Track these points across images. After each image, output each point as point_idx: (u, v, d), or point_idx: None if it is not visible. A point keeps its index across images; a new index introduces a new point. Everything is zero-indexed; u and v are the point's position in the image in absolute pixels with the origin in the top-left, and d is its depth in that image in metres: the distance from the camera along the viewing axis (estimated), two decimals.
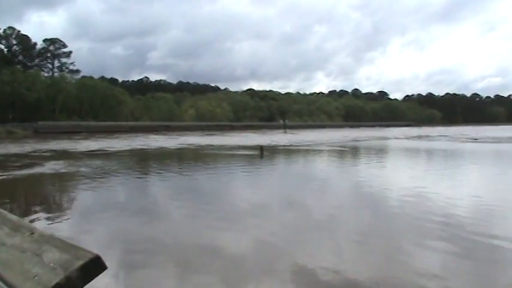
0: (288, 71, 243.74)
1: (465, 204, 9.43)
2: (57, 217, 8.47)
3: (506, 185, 12.97)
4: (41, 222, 7.71)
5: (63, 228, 7.43)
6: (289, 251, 6.07)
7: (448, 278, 4.96)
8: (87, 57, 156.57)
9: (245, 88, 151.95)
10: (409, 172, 16.26)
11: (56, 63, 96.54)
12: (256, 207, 9.46)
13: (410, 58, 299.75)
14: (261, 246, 6.36)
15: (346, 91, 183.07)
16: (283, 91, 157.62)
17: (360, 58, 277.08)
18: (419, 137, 48.36)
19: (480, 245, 6.25)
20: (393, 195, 10.74)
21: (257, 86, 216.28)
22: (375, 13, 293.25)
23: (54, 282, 1.39)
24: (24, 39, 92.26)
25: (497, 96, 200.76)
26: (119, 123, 75.66)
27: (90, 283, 1.35)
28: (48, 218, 8.30)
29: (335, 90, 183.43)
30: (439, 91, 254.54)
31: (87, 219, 8.20)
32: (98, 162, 19.08)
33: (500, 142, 36.24)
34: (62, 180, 14.33)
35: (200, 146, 32.62)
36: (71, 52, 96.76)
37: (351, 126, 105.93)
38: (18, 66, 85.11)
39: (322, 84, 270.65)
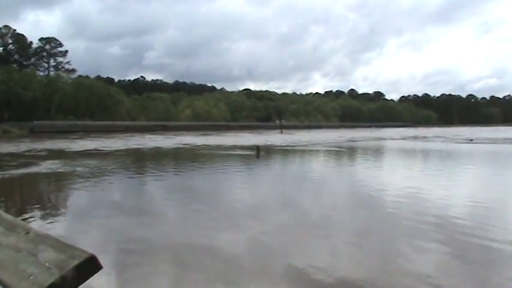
0: (285, 71, 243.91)
1: (459, 205, 9.47)
2: (53, 216, 8.47)
3: (499, 185, 13.03)
4: (36, 222, 7.70)
5: (59, 227, 7.43)
6: (283, 251, 6.08)
7: (439, 278, 4.99)
8: (83, 57, 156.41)
9: (242, 88, 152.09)
10: (404, 173, 16.31)
11: (52, 63, 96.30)
12: (252, 207, 9.47)
13: (406, 59, 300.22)
14: (255, 247, 6.37)
15: (343, 91, 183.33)
16: (279, 91, 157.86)
17: (356, 59, 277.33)
18: (415, 138, 48.46)
19: (473, 244, 6.28)
20: (387, 195, 10.77)
21: (254, 86, 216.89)
22: (371, 14, 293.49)
23: (49, 282, 1.39)
24: (20, 38, 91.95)
25: (492, 97, 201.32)
26: (115, 122, 75.50)
27: (85, 283, 1.42)
28: (43, 218, 8.29)
29: (332, 91, 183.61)
30: (435, 92, 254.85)
31: (81, 219, 8.20)
32: (93, 162, 19.04)
33: (495, 143, 36.37)
34: (57, 179, 14.29)
35: (196, 146, 32.60)
36: (67, 51, 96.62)
37: (347, 127, 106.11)
38: (14, 65, 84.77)
39: (318, 84, 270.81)
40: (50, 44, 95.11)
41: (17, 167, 16.96)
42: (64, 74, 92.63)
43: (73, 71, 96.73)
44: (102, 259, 1.40)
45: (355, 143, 38.24)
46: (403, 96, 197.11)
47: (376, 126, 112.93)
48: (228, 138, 44.23)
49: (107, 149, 28.31)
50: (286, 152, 27.91)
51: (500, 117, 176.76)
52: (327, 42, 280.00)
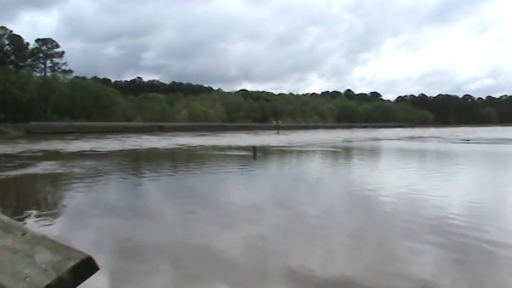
0: (282, 71, 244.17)
1: (455, 205, 9.49)
2: (49, 217, 8.45)
3: (496, 185, 13.07)
4: (33, 223, 7.69)
5: (55, 228, 7.42)
6: (279, 252, 6.09)
7: (431, 272, 5.01)
8: (79, 58, 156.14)
9: (238, 89, 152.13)
10: (400, 173, 16.30)
11: (48, 63, 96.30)
12: (248, 209, 9.48)
13: (403, 59, 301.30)
14: (252, 248, 6.37)
15: (339, 92, 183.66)
16: (276, 92, 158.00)
17: (353, 59, 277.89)
18: (412, 138, 48.55)
19: (469, 245, 6.30)
20: (383, 196, 10.78)
21: (250, 87, 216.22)
22: (368, 14, 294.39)
23: (45, 283, 1.38)
24: (16, 39, 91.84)
25: (489, 97, 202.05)
26: (111, 123, 75.45)
27: (82, 284, 1.42)
28: (40, 219, 8.28)
29: (328, 91, 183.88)
30: (432, 92, 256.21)
31: (77, 220, 8.19)
32: (89, 163, 19.01)
33: (491, 143, 36.48)
34: (53, 180, 14.26)
35: (193, 146, 32.58)
36: (63, 52, 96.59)
37: (344, 127, 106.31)
38: (10, 66, 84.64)
39: (315, 85, 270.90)
40: (47, 45, 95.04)
41: (13, 168, 16.91)
42: (60, 75, 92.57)
43: (69, 71, 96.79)
44: (98, 260, 1.45)
45: (351, 143, 38.29)
46: (399, 97, 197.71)
47: (373, 127, 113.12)
48: (225, 139, 44.21)
49: (103, 150, 28.25)
50: (282, 152, 27.92)
51: (496, 117, 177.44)
52: (324, 43, 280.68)
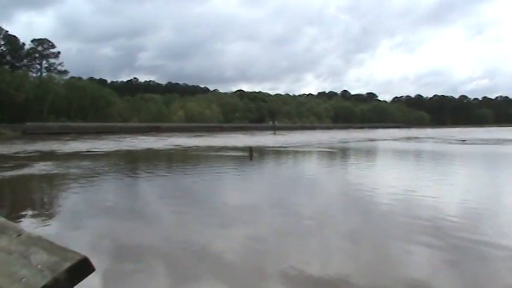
0: (278, 72, 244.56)
1: (450, 206, 9.53)
2: (46, 218, 8.44)
3: (491, 185, 13.13)
4: (28, 223, 7.67)
5: (51, 229, 7.41)
6: (274, 252, 6.10)
7: (426, 273, 5.03)
8: (76, 58, 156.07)
9: (235, 89, 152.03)
10: (394, 174, 16.36)
11: (44, 64, 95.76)
12: (244, 209, 9.48)
13: (399, 60, 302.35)
14: (246, 249, 6.38)
15: (336, 92, 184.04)
16: (272, 92, 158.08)
17: (349, 60, 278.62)
18: (408, 139, 48.65)
19: (465, 245, 6.33)
20: (379, 196, 10.80)
21: (247, 88, 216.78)
22: (364, 15, 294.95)
23: (41, 284, 1.38)
24: (12, 40, 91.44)
25: (485, 98, 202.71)
26: (108, 124, 75.27)
27: (78, 285, 1.41)
28: (36, 220, 8.27)
29: (324, 92, 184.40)
30: (428, 93, 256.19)
31: (73, 220, 8.17)
32: (85, 164, 18.97)
33: (487, 144, 36.62)
34: (48, 181, 14.23)
35: (189, 147, 32.53)
36: (59, 53, 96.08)
37: (340, 128, 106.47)
38: (6, 67, 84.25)
39: (311, 85, 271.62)
40: (43, 45, 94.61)
41: (9, 168, 16.85)
42: (56, 76, 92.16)
43: (65, 72, 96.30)
44: (94, 260, 1.45)
45: (347, 144, 38.34)
46: (395, 97, 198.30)
47: (369, 127, 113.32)
48: (221, 140, 44.18)
49: (99, 150, 28.19)
50: (279, 153, 27.92)
51: (492, 118, 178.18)
52: (320, 44, 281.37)
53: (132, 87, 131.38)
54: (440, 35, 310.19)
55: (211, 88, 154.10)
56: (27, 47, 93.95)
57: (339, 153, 27.33)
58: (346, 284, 4.87)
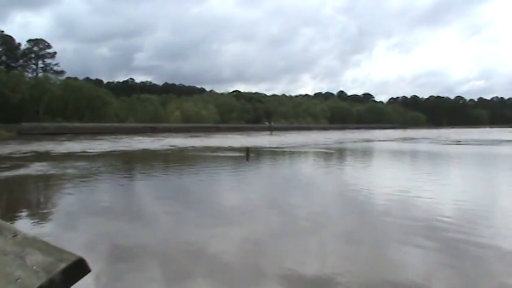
0: (275, 73, 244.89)
1: (446, 206, 9.56)
2: (40, 219, 8.42)
3: (486, 185, 13.17)
4: (24, 224, 7.66)
5: (46, 229, 7.39)
6: (269, 252, 6.10)
7: (422, 275, 5.04)
8: (72, 58, 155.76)
9: (231, 90, 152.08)
10: (391, 175, 16.40)
11: (40, 64, 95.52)
12: (241, 210, 9.48)
13: (395, 61, 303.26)
14: (241, 250, 6.38)
15: (332, 93, 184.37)
16: (269, 93, 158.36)
17: (346, 61, 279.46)
18: (404, 140, 48.76)
19: (461, 246, 6.34)
20: (374, 197, 10.82)
21: (243, 88, 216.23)
22: (360, 16, 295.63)
23: (36, 285, 1.38)
24: (7, 40, 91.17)
25: (480, 99, 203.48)
26: (104, 124, 75.11)
27: (74, 285, 1.41)
28: (31, 220, 8.25)
29: (321, 93, 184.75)
30: (424, 94, 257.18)
31: (68, 221, 8.15)
32: (81, 164, 18.93)
33: (482, 145, 36.77)
34: (44, 182, 14.20)
35: (186, 148, 32.51)
36: (55, 53, 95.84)
37: (337, 128, 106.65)
38: (2, 67, 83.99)
39: (308, 86, 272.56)
40: (38, 45, 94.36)
41: (5, 169, 16.79)
42: (52, 76, 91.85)
43: (62, 72, 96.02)
44: (90, 261, 1.45)
45: (343, 144, 38.40)
46: (392, 98, 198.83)
47: (365, 128, 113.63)
48: (218, 140, 44.16)
49: (95, 151, 28.13)
50: (275, 153, 27.94)
51: (487, 119, 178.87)
52: (317, 44, 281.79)
53: (128, 88, 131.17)
54: (436, 36, 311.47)
55: (207, 89, 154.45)
56: (23, 47, 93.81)
57: (335, 154, 27.37)
58: (338, 285, 4.88)
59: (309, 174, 16.76)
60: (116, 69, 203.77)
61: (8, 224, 1.90)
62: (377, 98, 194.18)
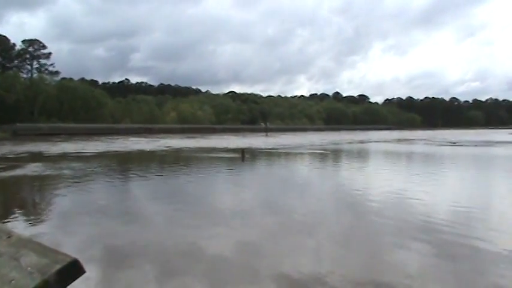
0: (270, 74, 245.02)
1: (442, 207, 9.59)
2: (35, 220, 8.40)
3: (480, 185, 13.23)
4: (19, 225, 7.63)
5: (41, 230, 7.37)
6: (264, 253, 6.11)
7: (413, 266, 5.06)
8: (67, 59, 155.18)
9: (227, 91, 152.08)
10: (384, 175, 16.40)
11: (35, 65, 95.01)
12: (237, 211, 9.48)
13: (391, 62, 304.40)
14: (240, 252, 6.39)
15: (328, 94, 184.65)
16: (265, 94, 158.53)
17: (341, 62, 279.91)
18: (399, 141, 48.85)
19: (457, 246, 6.37)
20: (370, 197, 10.84)
21: (239, 89, 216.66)
22: (356, 18, 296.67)
23: (31, 286, 1.38)
24: (2, 40, 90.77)
25: (475, 100, 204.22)
26: (99, 125, 75.01)
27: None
28: (26, 221, 8.22)
29: (316, 94, 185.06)
30: (419, 95, 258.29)
31: (63, 221, 8.13)
32: (75, 165, 18.86)
33: (476, 146, 36.92)
34: (39, 182, 14.14)
35: (181, 149, 32.46)
36: (50, 53, 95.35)
37: (332, 130, 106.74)
38: None
39: (303, 87, 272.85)
40: (33, 46, 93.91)
41: (0, 170, 16.76)
42: (47, 76, 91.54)
43: (57, 73, 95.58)
44: (86, 262, 1.43)
45: (338, 146, 38.45)
46: (387, 99, 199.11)
47: (361, 129, 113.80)
48: (213, 141, 44.11)
49: (90, 152, 28.06)
50: (271, 154, 27.91)
51: (482, 120, 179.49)
52: (312, 46, 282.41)
53: (124, 89, 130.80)
54: (431, 38, 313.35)
55: (203, 89, 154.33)
56: (17, 47, 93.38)
57: (331, 155, 27.39)
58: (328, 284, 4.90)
59: (304, 176, 16.77)
60: (111, 69, 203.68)
61: (2, 225, 1.91)
62: (372, 99, 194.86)
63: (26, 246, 1.61)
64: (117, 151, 29.68)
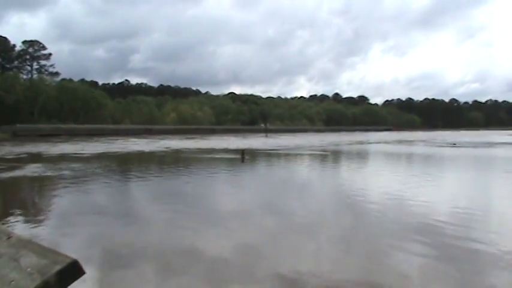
0: (270, 75, 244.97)
1: (441, 208, 9.59)
2: (34, 221, 8.40)
3: (480, 186, 13.24)
4: (18, 226, 7.63)
5: (41, 231, 7.37)
6: (263, 253, 6.12)
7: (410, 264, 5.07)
8: (67, 60, 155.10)
9: (227, 92, 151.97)
10: (384, 177, 16.41)
11: (35, 66, 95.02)
12: (234, 212, 9.48)
13: (390, 63, 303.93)
14: (239, 253, 6.39)
15: (327, 96, 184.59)
16: (265, 95, 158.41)
17: (341, 63, 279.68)
18: (399, 142, 48.82)
19: (455, 247, 6.38)
20: (369, 199, 10.85)
21: (239, 90, 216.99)
22: (356, 19, 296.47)
23: (31, 287, 1.38)
24: (2, 41, 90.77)
25: (475, 101, 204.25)
26: (99, 126, 74.96)
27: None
28: (26, 222, 8.22)
29: (316, 95, 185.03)
30: (419, 96, 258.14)
31: (63, 222, 8.13)
32: (75, 166, 18.85)
33: (476, 147, 36.92)
34: (39, 183, 14.14)
35: (181, 149, 32.45)
36: (50, 54, 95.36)
37: (332, 131, 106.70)
38: None
39: (303, 88, 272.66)
40: (34, 46, 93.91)
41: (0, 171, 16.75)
42: (48, 77, 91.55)
43: (57, 74, 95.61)
44: (85, 262, 1.43)
45: (338, 147, 38.43)
46: (387, 101, 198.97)
47: (361, 130, 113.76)
48: (213, 142, 44.10)
49: (89, 153, 28.04)
50: (270, 155, 27.88)
51: (482, 121, 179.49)
52: (312, 47, 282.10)
53: (123, 90, 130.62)
54: (431, 39, 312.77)
55: (203, 90, 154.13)
56: (18, 48, 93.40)
57: (331, 157, 27.40)
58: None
59: (303, 177, 16.77)
60: (111, 70, 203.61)
61: (2, 226, 1.92)
62: (372, 101, 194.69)
63: (26, 247, 1.62)
64: (116, 152, 29.66)
